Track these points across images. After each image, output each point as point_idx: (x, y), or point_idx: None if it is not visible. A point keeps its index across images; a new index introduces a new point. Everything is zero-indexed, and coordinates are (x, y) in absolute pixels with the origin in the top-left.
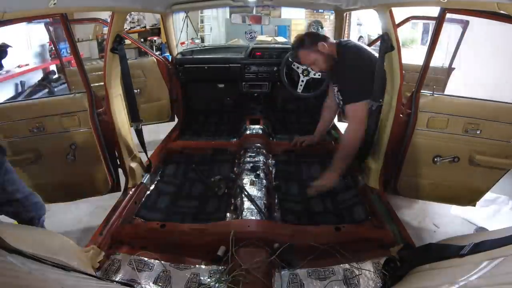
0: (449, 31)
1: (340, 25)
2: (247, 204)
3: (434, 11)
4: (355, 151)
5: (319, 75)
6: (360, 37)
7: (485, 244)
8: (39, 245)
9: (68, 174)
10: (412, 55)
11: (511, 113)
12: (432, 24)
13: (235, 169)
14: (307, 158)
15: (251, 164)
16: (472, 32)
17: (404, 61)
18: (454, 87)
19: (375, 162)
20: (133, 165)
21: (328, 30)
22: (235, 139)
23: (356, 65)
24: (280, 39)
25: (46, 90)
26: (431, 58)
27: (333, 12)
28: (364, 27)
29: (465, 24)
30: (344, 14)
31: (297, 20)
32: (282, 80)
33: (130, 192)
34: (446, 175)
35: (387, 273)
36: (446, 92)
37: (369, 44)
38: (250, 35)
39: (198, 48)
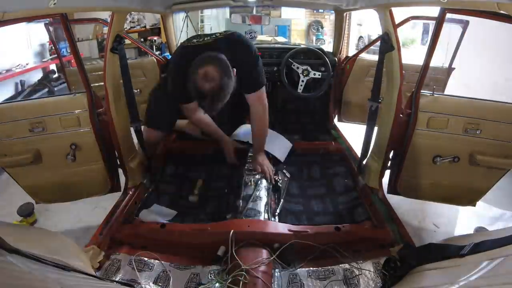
0: (449, 31)
1: (340, 25)
2: (247, 204)
3: (434, 11)
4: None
5: (319, 75)
6: (360, 37)
7: (485, 244)
8: (39, 245)
9: (68, 174)
10: (412, 55)
11: (511, 113)
12: (432, 24)
13: (235, 169)
14: (307, 158)
15: (251, 164)
16: (472, 32)
17: (404, 61)
18: (455, 87)
19: (375, 162)
20: (133, 165)
21: (328, 30)
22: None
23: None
24: (280, 39)
25: (46, 89)
26: (431, 58)
27: (333, 12)
28: (364, 27)
29: (465, 24)
30: (344, 14)
31: (297, 20)
32: (282, 80)
33: (130, 192)
34: (446, 175)
35: (387, 273)
36: (446, 92)
37: (369, 44)
38: (250, 35)
39: None
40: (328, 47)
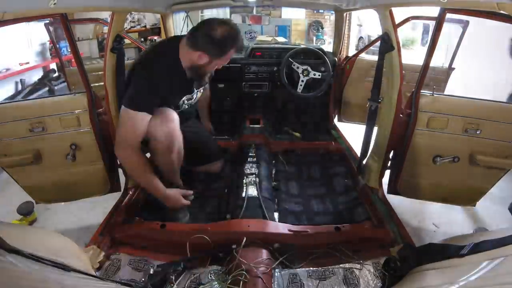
0: (449, 31)
1: (340, 25)
2: (247, 204)
3: (434, 11)
4: None
5: (319, 75)
6: (360, 37)
7: (485, 244)
8: (39, 245)
9: (68, 174)
10: (412, 56)
11: (511, 113)
12: (432, 24)
13: (235, 168)
14: (307, 158)
15: (251, 164)
16: (472, 32)
17: (404, 61)
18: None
19: (375, 162)
20: None
21: (328, 30)
22: (235, 139)
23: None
24: (280, 39)
25: (47, 88)
26: (431, 58)
27: (333, 12)
28: (364, 27)
29: (465, 24)
30: (344, 14)
31: (297, 20)
32: (282, 80)
33: (130, 192)
34: (446, 175)
35: (387, 273)
36: (446, 92)
37: (369, 44)
38: (250, 35)
39: None
40: (328, 47)
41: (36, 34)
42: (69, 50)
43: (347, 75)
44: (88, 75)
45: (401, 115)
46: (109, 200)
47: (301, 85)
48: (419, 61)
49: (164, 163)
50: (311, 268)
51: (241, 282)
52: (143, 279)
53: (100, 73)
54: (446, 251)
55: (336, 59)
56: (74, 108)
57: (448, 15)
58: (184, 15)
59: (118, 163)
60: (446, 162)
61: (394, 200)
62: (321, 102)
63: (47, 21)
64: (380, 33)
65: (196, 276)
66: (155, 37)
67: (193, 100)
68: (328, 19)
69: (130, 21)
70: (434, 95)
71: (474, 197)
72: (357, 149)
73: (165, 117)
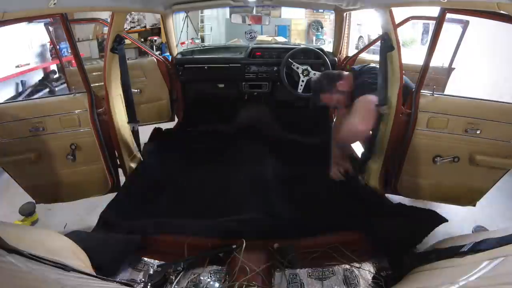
0: (449, 31)
1: (340, 25)
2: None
3: (434, 11)
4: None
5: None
6: (360, 37)
7: (485, 244)
8: (39, 245)
9: (68, 174)
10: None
11: (511, 113)
12: (432, 24)
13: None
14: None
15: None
16: (473, 31)
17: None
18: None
19: (375, 162)
20: (133, 165)
21: (328, 30)
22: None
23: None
24: (280, 39)
25: (47, 89)
26: (431, 58)
27: (333, 12)
28: (364, 27)
29: (465, 24)
30: (344, 14)
31: (297, 20)
32: (282, 80)
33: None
34: (446, 175)
35: (387, 273)
36: (446, 92)
37: (369, 44)
38: (250, 35)
39: (198, 48)
40: (328, 47)
41: (36, 35)
42: (69, 51)
43: None
44: (88, 75)
45: (401, 115)
46: (109, 200)
47: (301, 85)
48: (419, 61)
49: None
50: (311, 268)
51: (241, 282)
52: (143, 279)
53: (100, 73)
54: (446, 251)
55: (336, 59)
56: (74, 108)
57: (448, 15)
58: (184, 15)
59: (118, 163)
60: (446, 162)
61: (394, 200)
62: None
63: (47, 22)
64: (380, 32)
65: (196, 276)
66: (155, 38)
67: None
68: (328, 19)
69: (130, 22)
70: (434, 95)
71: (474, 197)
72: (357, 149)
73: None
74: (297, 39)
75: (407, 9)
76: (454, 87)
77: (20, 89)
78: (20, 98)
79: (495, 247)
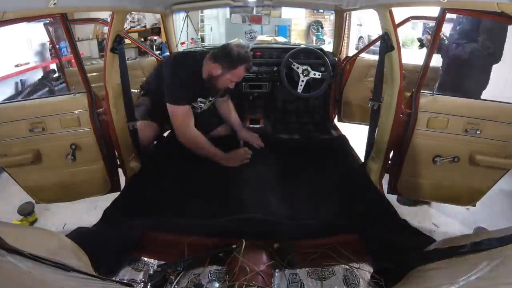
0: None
1: (340, 25)
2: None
3: (434, 11)
4: None
5: (319, 75)
6: (360, 37)
7: (485, 244)
8: (39, 245)
9: (68, 174)
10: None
11: (511, 113)
12: (432, 24)
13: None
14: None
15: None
16: None
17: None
18: None
19: (375, 162)
20: (133, 165)
21: (328, 30)
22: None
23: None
24: (280, 39)
25: (47, 89)
26: (431, 58)
27: (333, 12)
28: (364, 27)
29: None
30: (344, 14)
31: (297, 20)
32: (282, 80)
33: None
34: (446, 175)
35: (387, 274)
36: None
37: (369, 44)
38: (250, 35)
39: (198, 48)
40: (328, 47)
41: (36, 34)
42: (69, 51)
43: (347, 75)
44: (88, 75)
45: (401, 115)
46: (109, 200)
47: (301, 85)
48: (419, 60)
49: None
50: (311, 268)
51: (241, 282)
52: (143, 279)
53: (100, 73)
54: (446, 251)
55: (336, 59)
56: (74, 108)
57: (448, 15)
58: (184, 15)
59: (118, 163)
60: (446, 162)
61: (394, 200)
62: (321, 102)
63: (47, 22)
64: (380, 32)
65: (196, 276)
66: (155, 37)
67: (204, 105)
68: (328, 19)
69: (130, 21)
70: (434, 95)
71: (474, 197)
72: (357, 149)
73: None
74: (297, 39)
75: (407, 9)
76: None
77: (20, 88)
78: (19, 98)
79: (495, 247)
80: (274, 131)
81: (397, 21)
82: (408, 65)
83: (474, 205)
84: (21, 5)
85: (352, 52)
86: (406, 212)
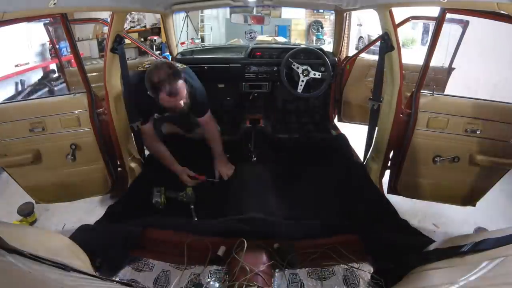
0: (449, 31)
1: (340, 25)
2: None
3: (434, 11)
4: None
5: (319, 75)
6: (360, 37)
7: (485, 244)
8: (39, 245)
9: (68, 174)
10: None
11: (511, 113)
12: (432, 24)
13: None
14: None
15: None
16: (473, 31)
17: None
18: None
19: (375, 162)
20: (133, 165)
21: (328, 30)
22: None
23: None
24: (280, 39)
25: (46, 89)
26: (431, 58)
27: (333, 12)
28: (364, 27)
29: (465, 24)
30: (344, 14)
31: (297, 20)
32: (282, 80)
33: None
34: (446, 175)
35: (387, 273)
36: (446, 92)
37: (369, 44)
38: (250, 35)
39: (198, 48)
40: (328, 47)
41: (36, 34)
42: (69, 51)
43: (347, 75)
44: (88, 75)
45: (401, 115)
46: (109, 200)
47: (301, 85)
48: (419, 60)
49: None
50: (311, 268)
51: (241, 282)
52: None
53: (100, 73)
54: (446, 251)
55: (336, 59)
56: (74, 108)
57: (448, 15)
58: (184, 15)
59: (118, 163)
60: (446, 162)
61: (394, 200)
62: (321, 102)
63: (47, 22)
64: (380, 32)
65: (196, 276)
66: (155, 37)
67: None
68: (328, 19)
69: (130, 21)
70: (434, 95)
71: (474, 197)
72: (357, 149)
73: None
74: (297, 39)
75: (407, 9)
76: (455, 88)
77: (20, 88)
78: (19, 98)
79: (495, 247)
80: (274, 131)
81: (397, 21)
82: (409, 65)
83: (474, 205)
84: (21, 5)
85: (352, 52)
86: (406, 212)
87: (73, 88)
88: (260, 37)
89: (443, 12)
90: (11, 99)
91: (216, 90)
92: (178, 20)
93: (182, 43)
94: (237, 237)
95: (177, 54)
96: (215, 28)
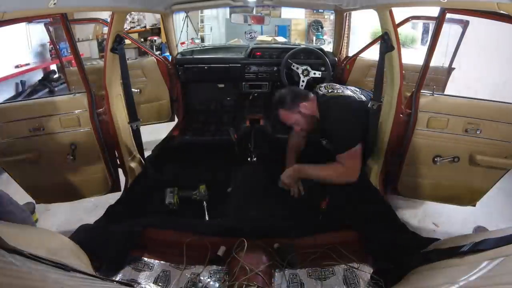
0: (449, 31)
1: (340, 25)
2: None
3: (434, 11)
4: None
5: (319, 75)
6: None
7: (485, 244)
8: (39, 245)
9: (68, 174)
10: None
11: (511, 113)
12: (432, 24)
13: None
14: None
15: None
16: (473, 31)
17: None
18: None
19: (375, 162)
20: (133, 165)
21: (328, 30)
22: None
23: (342, 119)
24: (280, 39)
25: (47, 89)
26: (431, 58)
27: (333, 12)
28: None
29: (465, 24)
30: (344, 14)
31: (297, 20)
32: (282, 80)
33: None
34: (446, 175)
35: (387, 274)
36: (446, 92)
37: (369, 44)
38: (250, 35)
39: (198, 48)
40: (328, 47)
41: (36, 35)
42: (69, 51)
43: (347, 75)
44: (88, 75)
45: (401, 115)
46: (109, 200)
47: (301, 85)
48: (419, 60)
49: None
50: (311, 268)
51: (241, 282)
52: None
53: (99, 73)
54: (446, 251)
55: (336, 59)
56: (74, 108)
57: (448, 15)
58: (184, 15)
59: (118, 163)
60: (446, 162)
61: (394, 200)
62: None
63: (47, 22)
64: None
65: (196, 276)
66: (155, 38)
67: None
68: (328, 19)
69: (130, 22)
70: (434, 95)
71: (474, 197)
72: None
73: None
74: (297, 39)
75: (407, 9)
76: (455, 88)
77: (20, 89)
78: (19, 98)
79: (495, 247)
80: (274, 131)
81: (397, 21)
82: (409, 65)
83: (474, 205)
84: (21, 5)
85: (352, 52)
86: (406, 212)
87: (73, 88)
88: (260, 37)
89: (443, 12)
90: (11, 100)
91: (216, 90)
92: (178, 20)
93: (182, 43)
94: (237, 237)
95: (177, 54)
96: (215, 28)
